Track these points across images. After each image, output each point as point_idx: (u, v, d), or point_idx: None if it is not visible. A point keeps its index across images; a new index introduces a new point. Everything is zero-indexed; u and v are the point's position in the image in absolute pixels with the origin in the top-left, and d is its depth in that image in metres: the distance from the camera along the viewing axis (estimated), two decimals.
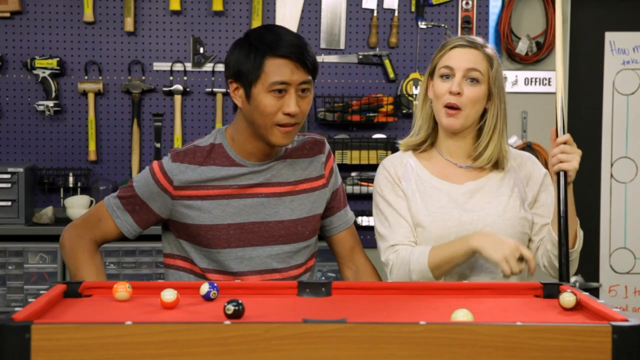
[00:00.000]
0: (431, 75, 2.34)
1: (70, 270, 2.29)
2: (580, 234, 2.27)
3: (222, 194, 2.26)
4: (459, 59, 2.28)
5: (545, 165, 2.33)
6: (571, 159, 2.15)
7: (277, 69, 2.16)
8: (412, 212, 2.30)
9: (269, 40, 2.19)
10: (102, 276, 2.25)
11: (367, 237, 4.30)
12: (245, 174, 2.28)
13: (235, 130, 2.29)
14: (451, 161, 2.35)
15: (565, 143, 2.16)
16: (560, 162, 2.15)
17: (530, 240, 2.35)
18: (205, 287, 1.83)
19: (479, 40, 2.34)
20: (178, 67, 4.49)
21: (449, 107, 2.27)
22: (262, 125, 2.20)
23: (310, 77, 2.21)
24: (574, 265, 2.27)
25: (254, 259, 2.27)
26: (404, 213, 2.31)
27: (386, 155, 4.47)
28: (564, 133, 2.17)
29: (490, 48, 2.36)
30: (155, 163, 2.29)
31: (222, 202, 2.25)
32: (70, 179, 4.38)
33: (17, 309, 1.57)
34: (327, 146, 2.42)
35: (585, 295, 1.77)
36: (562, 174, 2.15)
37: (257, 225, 2.27)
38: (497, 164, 2.34)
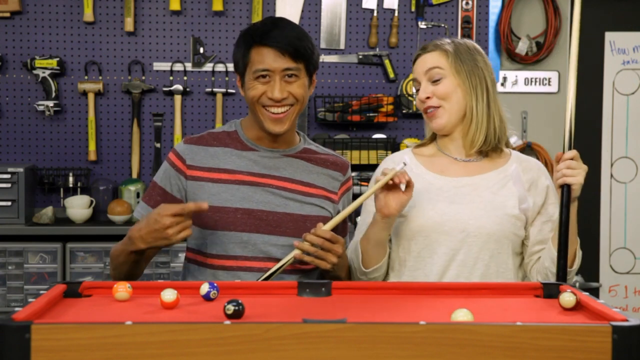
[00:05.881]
0: None
1: (118, 271, 2.33)
2: (579, 254, 2.27)
3: (233, 179, 2.32)
4: (418, 67, 2.34)
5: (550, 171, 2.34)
6: (576, 174, 2.16)
7: (260, 57, 2.27)
8: None
9: (256, 32, 2.30)
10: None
11: None
12: (257, 160, 2.35)
13: (248, 117, 2.41)
14: (450, 156, 2.36)
15: (572, 159, 2.18)
16: (565, 176, 2.16)
17: (523, 244, 2.34)
18: (205, 287, 1.83)
19: (440, 40, 2.36)
20: (178, 67, 4.49)
21: (427, 111, 2.33)
22: (254, 110, 2.31)
23: (296, 65, 2.28)
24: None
25: (258, 245, 2.29)
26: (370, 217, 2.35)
27: (386, 155, 4.48)
28: (570, 149, 2.18)
29: (456, 43, 2.34)
30: (170, 152, 2.40)
31: (232, 187, 2.31)
32: (70, 179, 4.39)
33: (17, 309, 1.57)
34: (350, 173, 2.47)
35: (585, 295, 1.77)
36: (565, 187, 2.16)
37: (265, 213, 2.31)
38: (495, 154, 2.35)
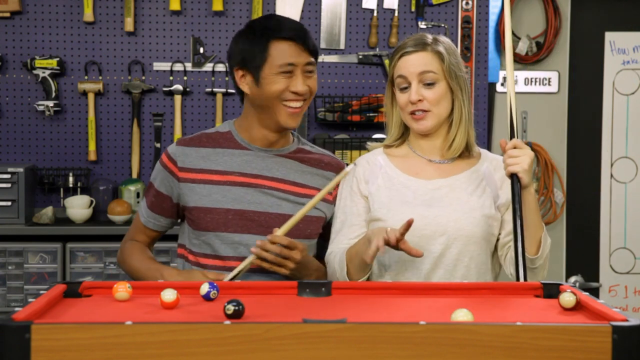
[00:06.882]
0: (392, 83, 2.34)
1: (135, 275, 2.39)
2: (548, 241, 2.25)
3: (225, 180, 2.31)
4: (409, 66, 2.28)
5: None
6: (519, 161, 2.17)
7: (283, 52, 2.27)
8: (374, 208, 2.29)
9: (271, 26, 2.30)
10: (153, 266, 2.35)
11: None
12: (249, 160, 2.34)
13: (243, 117, 2.40)
14: (424, 157, 2.35)
15: (514, 148, 2.18)
16: (509, 165, 2.17)
17: (498, 240, 2.33)
18: (205, 287, 1.83)
19: (428, 38, 2.31)
20: (178, 67, 4.49)
21: (415, 112, 2.29)
22: (271, 106, 2.29)
23: (313, 59, 2.32)
24: (539, 274, 2.24)
25: (249, 246, 2.25)
26: (351, 219, 2.31)
27: None
28: (515, 139, 2.21)
29: (442, 43, 2.31)
30: (162, 154, 2.40)
31: (224, 188, 2.31)
32: (70, 179, 4.38)
33: (17, 309, 1.57)
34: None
35: (585, 295, 1.77)
36: (515, 177, 2.16)
37: (257, 214, 2.30)
38: (467, 154, 2.34)
